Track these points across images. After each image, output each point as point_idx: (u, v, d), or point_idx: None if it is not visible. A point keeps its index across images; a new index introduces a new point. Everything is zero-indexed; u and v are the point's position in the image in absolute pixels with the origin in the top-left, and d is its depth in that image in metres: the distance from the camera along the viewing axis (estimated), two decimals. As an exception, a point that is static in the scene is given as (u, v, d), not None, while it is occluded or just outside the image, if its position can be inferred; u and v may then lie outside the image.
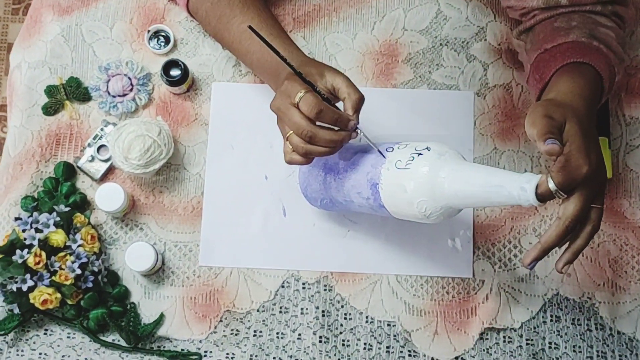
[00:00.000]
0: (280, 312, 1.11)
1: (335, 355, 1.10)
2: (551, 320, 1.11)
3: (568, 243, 0.90)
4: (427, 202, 0.89)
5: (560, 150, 0.83)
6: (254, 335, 1.11)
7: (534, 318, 1.11)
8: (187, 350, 1.10)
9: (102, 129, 1.15)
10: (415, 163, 0.90)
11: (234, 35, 1.07)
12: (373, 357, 1.10)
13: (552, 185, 0.83)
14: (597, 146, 0.88)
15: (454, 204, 0.89)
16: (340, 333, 1.11)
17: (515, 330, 1.11)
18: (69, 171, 1.13)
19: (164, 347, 1.10)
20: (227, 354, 1.10)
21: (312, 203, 1.09)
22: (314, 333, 1.11)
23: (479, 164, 0.91)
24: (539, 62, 1.02)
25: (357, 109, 0.92)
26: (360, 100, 0.92)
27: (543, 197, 0.83)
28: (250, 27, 0.90)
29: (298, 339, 1.11)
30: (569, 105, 0.90)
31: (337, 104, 0.94)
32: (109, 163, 1.14)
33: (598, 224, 0.89)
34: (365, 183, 0.95)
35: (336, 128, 0.92)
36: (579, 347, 1.10)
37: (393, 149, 0.94)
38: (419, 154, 0.90)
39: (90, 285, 1.07)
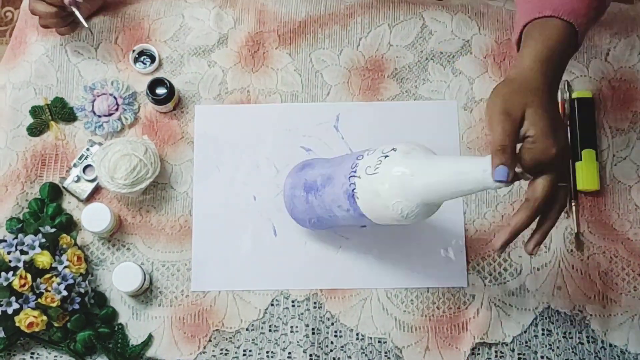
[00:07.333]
0: (270, 330, 1.10)
1: (326, 373, 1.09)
2: (543, 334, 1.11)
3: (537, 224, 0.88)
4: (402, 203, 0.89)
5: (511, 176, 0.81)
6: (244, 355, 1.10)
7: (525, 332, 1.11)
8: (176, 371, 1.09)
9: (87, 149, 1.14)
10: (383, 166, 0.90)
11: None
12: (364, 375, 1.09)
13: (517, 168, 0.82)
14: (561, 123, 0.85)
15: (427, 200, 0.88)
16: (331, 351, 1.10)
17: (506, 345, 1.10)
18: (55, 192, 1.13)
19: (153, 368, 1.09)
20: (217, 374, 1.09)
21: (303, 225, 1.09)
22: (305, 351, 1.09)
23: (445, 155, 0.90)
24: None
25: None
26: None
27: None
28: None
29: (288, 357, 1.09)
30: (529, 87, 0.86)
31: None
32: (95, 183, 1.13)
33: (565, 202, 0.87)
34: (342, 195, 0.96)
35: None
36: (571, 360, 1.10)
37: (363, 156, 0.94)
38: (386, 156, 0.90)
39: (77, 307, 1.06)
